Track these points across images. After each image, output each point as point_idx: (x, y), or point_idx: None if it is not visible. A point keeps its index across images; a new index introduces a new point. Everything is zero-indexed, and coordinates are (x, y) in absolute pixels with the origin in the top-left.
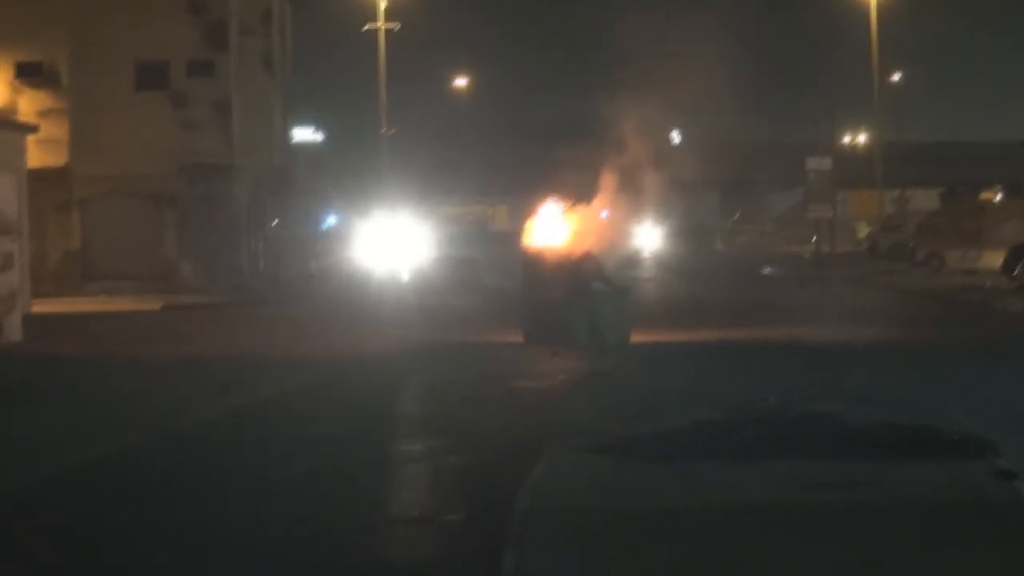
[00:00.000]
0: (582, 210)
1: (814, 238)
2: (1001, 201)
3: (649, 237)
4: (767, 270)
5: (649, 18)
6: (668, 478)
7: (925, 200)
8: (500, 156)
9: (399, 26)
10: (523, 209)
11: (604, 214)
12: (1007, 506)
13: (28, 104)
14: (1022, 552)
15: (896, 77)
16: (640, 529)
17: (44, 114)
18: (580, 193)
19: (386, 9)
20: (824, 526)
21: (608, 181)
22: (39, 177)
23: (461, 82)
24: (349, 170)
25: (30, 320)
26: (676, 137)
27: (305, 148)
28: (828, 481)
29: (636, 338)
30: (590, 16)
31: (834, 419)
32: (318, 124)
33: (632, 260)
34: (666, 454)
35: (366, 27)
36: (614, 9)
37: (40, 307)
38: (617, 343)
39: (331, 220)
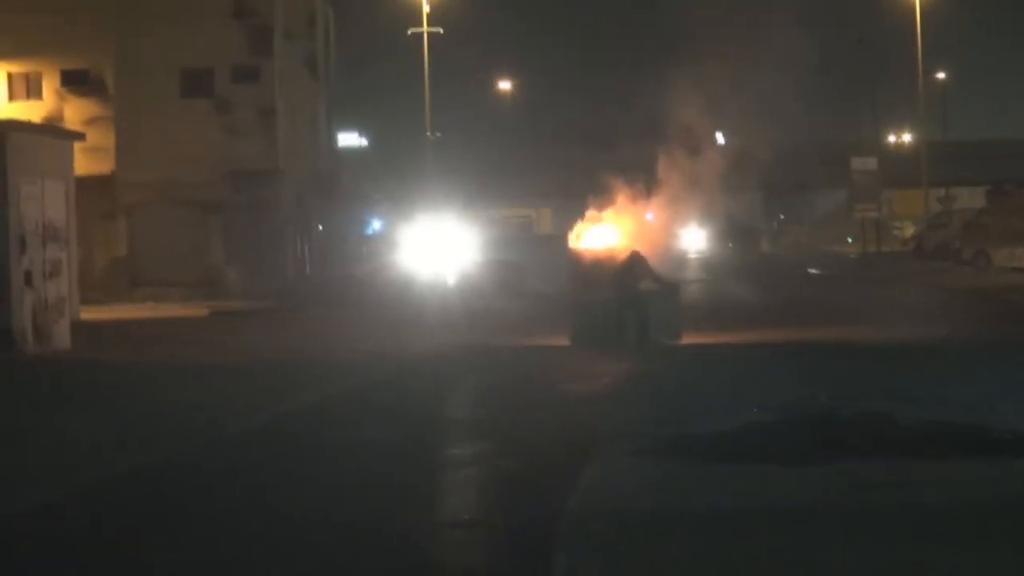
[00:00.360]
0: (628, 212)
1: (850, 239)
2: None
3: (695, 239)
4: (813, 270)
5: (693, 20)
6: (719, 480)
7: (971, 199)
8: (545, 159)
9: (442, 31)
10: (568, 212)
11: (649, 216)
12: None
13: (74, 112)
14: None
15: (941, 75)
16: (691, 531)
17: (90, 122)
18: (626, 195)
19: (430, 13)
20: (876, 526)
21: (655, 183)
22: (86, 185)
23: (506, 85)
24: (394, 174)
25: (79, 327)
26: (721, 138)
27: (350, 153)
28: (879, 481)
29: (684, 339)
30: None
31: (885, 419)
32: (363, 129)
33: (679, 262)
34: (716, 456)
35: (411, 31)
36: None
37: (88, 314)
38: (665, 344)
39: (376, 224)
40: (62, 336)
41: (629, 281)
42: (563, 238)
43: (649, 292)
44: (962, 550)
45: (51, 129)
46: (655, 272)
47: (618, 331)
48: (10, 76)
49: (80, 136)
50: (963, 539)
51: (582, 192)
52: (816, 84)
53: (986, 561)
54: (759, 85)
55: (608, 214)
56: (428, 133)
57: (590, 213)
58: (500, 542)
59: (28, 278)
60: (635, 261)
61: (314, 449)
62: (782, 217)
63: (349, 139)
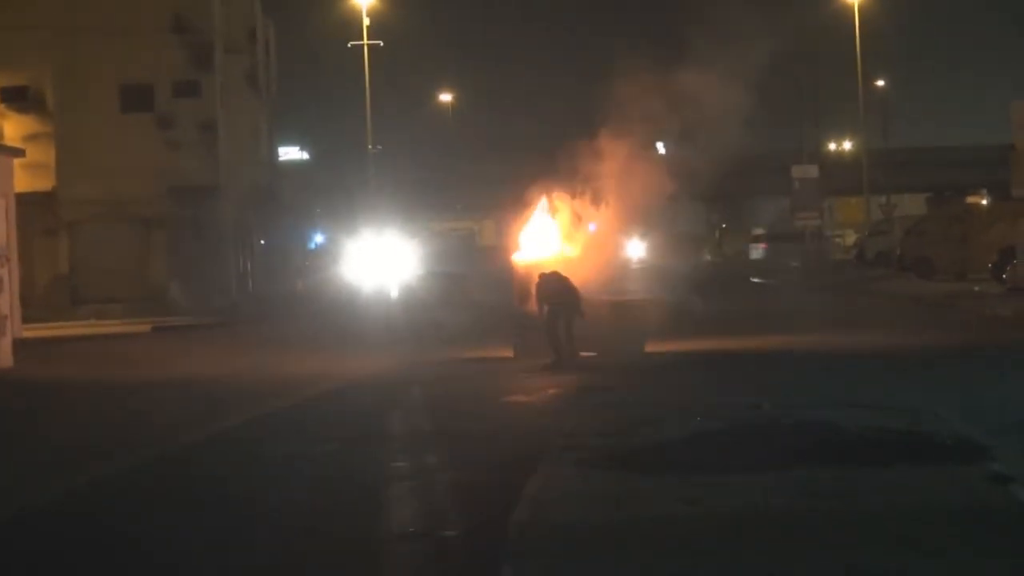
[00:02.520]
0: (569, 223)
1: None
2: (988, 204)
3: (637, 248)
4: (755, 279)
5: (631, 31)
6: (663, 490)
7: (912, 206)
8: (486, 171)
9: (383, 43)
10: (510, 224)
11: (592, 227)
12: (1003, 510)
13: (13, 129)
14: (1019, 556)
15: (880, 83)
16: (638, 541)
17: (30, 138)
18: (565, 206)
19: (370, 27)
20: (822, 534)
21: (593, 193)
22: (26, 201)
23: (446, 97)
24: (336, 188)
25: (20, 345)
26: (661, 148)
27: (291, 166)
28: (824, 489)
29: (632, 348)
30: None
31: (830, 426)
32: (304, 142)
33: (621, 272)
34: (662, 465)
35: (351, 44)
36: (598, 22)
37: (30, 332)
38: (607, 355)
39: (318, 238)
40: (4, 354)
41: (568, 294)
42: (505, 250)
43: (592, 304)
44: (908, 556)
45: None
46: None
47: (559, 343)
48: None
49: (20, 152)
50: (908, 546)
51: (522, 204)
52: (758, 92)
53: (931, 567)
54: (701, 95)
55: (547, 224)
56: (369, 146)
57: (529, 224)
58: (445, 554)
59: None
60: (546, 282)
61: (256, 464)
62: (724, 226)
63: (291, 153)
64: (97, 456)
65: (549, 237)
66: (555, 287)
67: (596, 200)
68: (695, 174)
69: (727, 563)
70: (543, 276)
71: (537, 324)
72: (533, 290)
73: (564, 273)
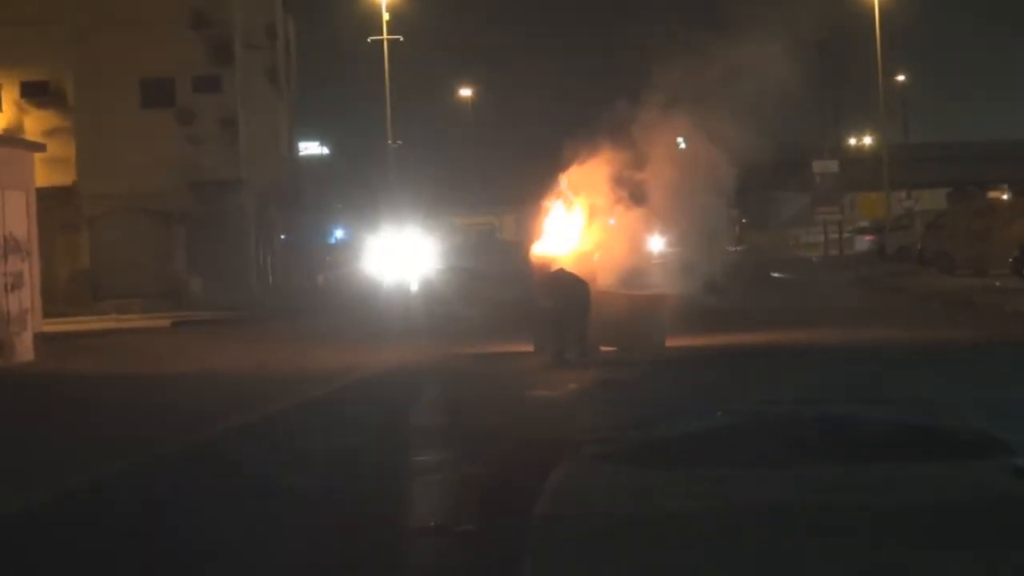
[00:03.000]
0: (589, 217)
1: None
2: (1009, 199)
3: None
4: (776, 274)
5: (654, 28)
6: (682, 483)
7: (933, 201)
8: (507, 166)
9: (402, 38)
10: (530, 218)
11: (611, 221)
12: (1022, 504)
13: (34, 124)
14: None
15: (901, 78)
16: (657, 535)
17: (50, 133)
18: (586, 200)
19: (391, 21)
20: (841, 529)
21: (615, 187)
22: (47, 196)
23: (467, 92)
24: (356, 183)
25: (41, 339)
26: (683, 142)
27: (312, 162)
28: (844, 484)
29: (653, 343)
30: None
31: (849, 421)
32: (325, 137)
33: (642, 266)
34: (679, 460)
35: (371, 39)
36: (620, 19)
37: (51, 326)
38: (627, 350)
39: (339, 233)
40: (25, 348)
41: (587, 289)
42: (526, 244)
43: (612, 298)
44: (922, 552)
45: (11, 140)
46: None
47: (578, 337)
48: None
49: (40, 147)
50: (923, 541)
51: (544, 198)
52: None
53: (945, 563)
54: (727, 91)
55: (567, 219)
56: (390, 141)
57: (550, 218)
58: (468, 548)
59: None
60: (555, 280)
61: (281, 457)
62: (744, 221)
63: (311, 148)
64: (120, 448)
65: (569, 232)
66: (564, 287)
67: (616, 195)
68: (718, 168)
69: (744, 557)
70: (552, 274)
71: (558, 318)
72: (540, 285)
73: (578, 271)
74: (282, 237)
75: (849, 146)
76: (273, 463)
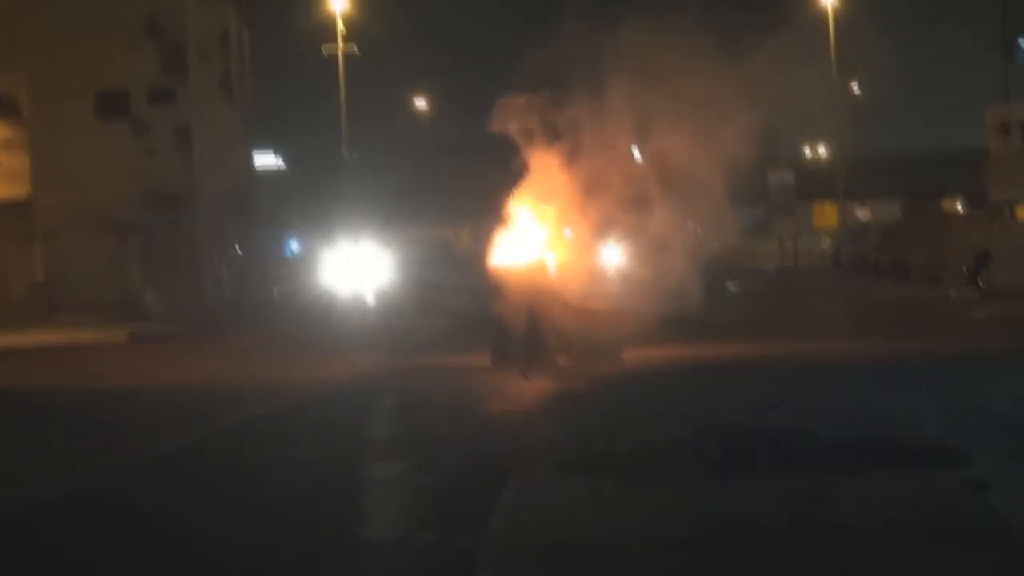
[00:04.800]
0: (544, 228)
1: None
2: (963, 209)
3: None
4: (732, 285)
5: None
6: (641, 495)
7: (888, 211)
8: (464, 177)
9: (357, 49)
10: (487, 230)
11: (568, 232)
12: (979, 517)
13: None
14: (993, 563)
15: (855, 88)
16: (614, 547)
17: (4, 145)
18: (539, 210)
19: (346, 31)
20: (797, 541)
21: (569, 199)
22: (0, 209)
23: (423, 103)
24: (312, 194)
25: None
26: (637, 154)
27: (267, 172)
28: (799, 495)
29: (611, 355)
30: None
31: (805, 432)
32: (280, 148)
33: (599, 278)
34: (638, 471)
35: (325, 50)
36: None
37: (5, 340)
38: (585, 363)
39: (295, 245)
40: None
41: (545, 301)
42: (482, 256)
43: (570, 309)
44: (884, 563)
45: None
46: (563, 296)
47: (536, 350)
48: None
49: None
50: (885, 553)
51: (499, 210)
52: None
53: (907, 574)
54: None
55: (523, 230)
56: (346, 152)
57: (506, 230)
58: (423, 560)
59: None
60: (549, 281)
61: (233, 470)
62: (699, 232)
63: (266, 159)
64: (71, 463)
65: (526, 243)
66: (531, 285)
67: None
68: (671, 178)
69: (703, 570)
70: (515, 272)
71: (516, 330)
72: (506, 288)
73: (542, 273)
74: (238, 249)
75: (804, 156)
76: (224, 476)
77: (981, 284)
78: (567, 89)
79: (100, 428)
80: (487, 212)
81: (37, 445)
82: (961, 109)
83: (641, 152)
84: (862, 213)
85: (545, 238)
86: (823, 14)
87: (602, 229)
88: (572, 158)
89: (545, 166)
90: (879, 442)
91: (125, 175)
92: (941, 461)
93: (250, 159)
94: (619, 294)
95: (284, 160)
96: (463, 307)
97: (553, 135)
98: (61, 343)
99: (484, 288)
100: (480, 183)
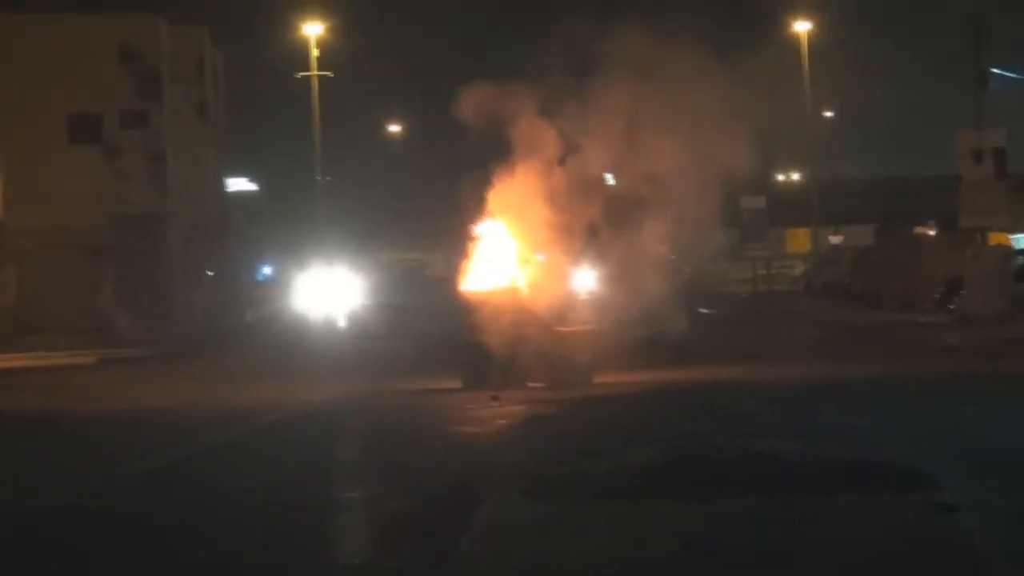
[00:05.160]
0: (516, 253)
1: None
2: (936, 235)
3: (586, 279)
4: (704, 310)
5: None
6: (611, 519)
7: (860, 236)
8: (436, 200)
9: (332, 74)
10: (458, 254)
11: (540, 256)
12: (949, 539)
13: None
14: None
15: (829, 114)
16: (585, 570)
17: None
18: (512, 235)
19: (320, 57)
20: (767, 563)
21: (541, 222)
22: None
23: (395, 128)
24: (285, 218)
25: None
26: (611, 178)
27: (240, 197)
28: (770, 518)
29: (580, 379)
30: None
31: (776, 455)
32: (254, 172)
33: (570, 302)
34: (608, 495)
35: (300, 75)
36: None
37: None
38: (555, 386)
39: (267, 269)
40: None
41: (516, 325)
42: (453, 280)
43: (539, 334)
44: None
45: None
46: (536, 317)
47: (507, 374)
48: None
49: None
50: (853, 573)
51: (471, 234)
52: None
53: None
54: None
55: (495, 255)
56: (318, 177)
57: (476, 254)
58: None
59: None
60: (521, 304)
61: (200, 496)
62: (672, 257)
63: (239, 184)
64: (36, 486)
65: (497, 267)
66: (512, 312)
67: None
68: (643, 204)
69: None
70: (488, 295)
71: (487, 354)
72: (478, 311)
73: (514, 296)
74: (210, 273)
75: (777, 181)
76: (194, 500)
77: (953, 310)
78: (544, 107)
79: (68, 452)
80: (458, 235)
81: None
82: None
83: (616, 174)
84: (835, 238)
85: (517, 261)
86: (798, 40)
87: (574, 252)
88: (544, 173)
89: (517, 181)
90: (849, 465)
91: (97, 198)
92: (910, 484)
93: (223, 182)
94: (591, 317)
95: (258, 184)
96: (434, 330)
97: (527, 126)
98: (30, 365)
99: (456, 311)
100: (451, 206)
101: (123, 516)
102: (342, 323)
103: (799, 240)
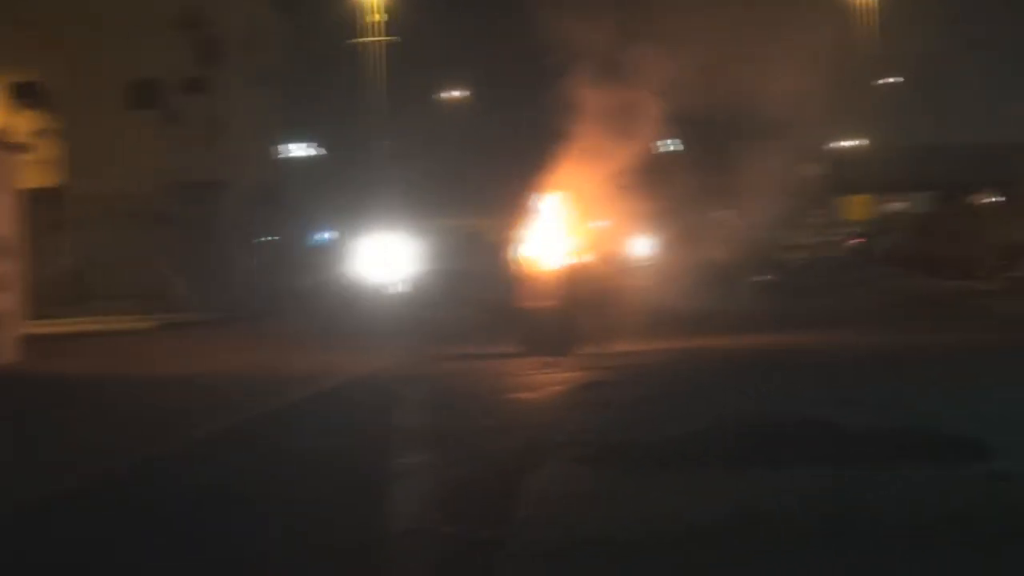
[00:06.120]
0: (576, 219)
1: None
2: (995, 203)
3: (647, 246)
4: (763, 277)
5: (640, 28)
6: (666, 487)
7: (921, 203)
8: (493, 167)
9: (395, 39)
10: (517, 220)
11: (601, 223)
12: (1006, 508)
13: (23, 125)
14: (1020, 555)
15: (892, 80)
16: (638, 539)
17: (38, 134)
18: (574, 202)
19: (383, 20)
20: (822, 534)
21: (603, 187)
22: (33, 198)
23: (457, 94)
24: (344, 184)
25: (25, 341)
26: (672, 145)
27: (300, 162)
28: (825, 488)
29: (635, 346)
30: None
31: (830, 425)
32: (313, 138)
33: (630, 269)
34: (664, 462)
35: (355, 41)
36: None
37: (36, 328)
38: (610, 350)
39: (325, 234)
40: (7, 350)
41: (575, 290)
42: (511, 247)
43: (597, 299)
44: (909, 556)
45: None
46: (602, 280)
47: (565, 339)
48: None
49: (25, 148)
50: (910, 545)
51: (530, 200)
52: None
53: (933, 567)
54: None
55: (555, 220)
56: (380, 142)
57: (536, 219)
58: (446, 551)
59: None
60: (581, 269)
61: (267, 458)
62: (738, 222)
63: (299, 149)
64: (112, 450)
65: (555, 234)
66: (575, 277)
67: (602, 195)
68: (711, 171)
69: (728, 562)
70: (546, 262)
71: (543, 319)
72: (550, 282)
73: (574, 264)
74: (268, 238)
75: (838, 147)
76: (253, 466)
77: (1013, 278)
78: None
79: (131, 417)
80: (519, 202)
81: (66, 431)
82: (996, 103)
83: (685, 142)
84: (895, 205)
85: (577, 228)
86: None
87: (636, 220)
88: (610, 144)
89: (582, 152)
90: (905, 434)
91: (156, 165)
92: (967, 454)
93: (283, 149)
94: (651, 284)
95: (318, 150)
96: (492, 296)
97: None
98: (90, 330)
99: (513, 277)
100: (512, 172)
101: (196, 476)
102: (399, 288)
103: (859, 207)
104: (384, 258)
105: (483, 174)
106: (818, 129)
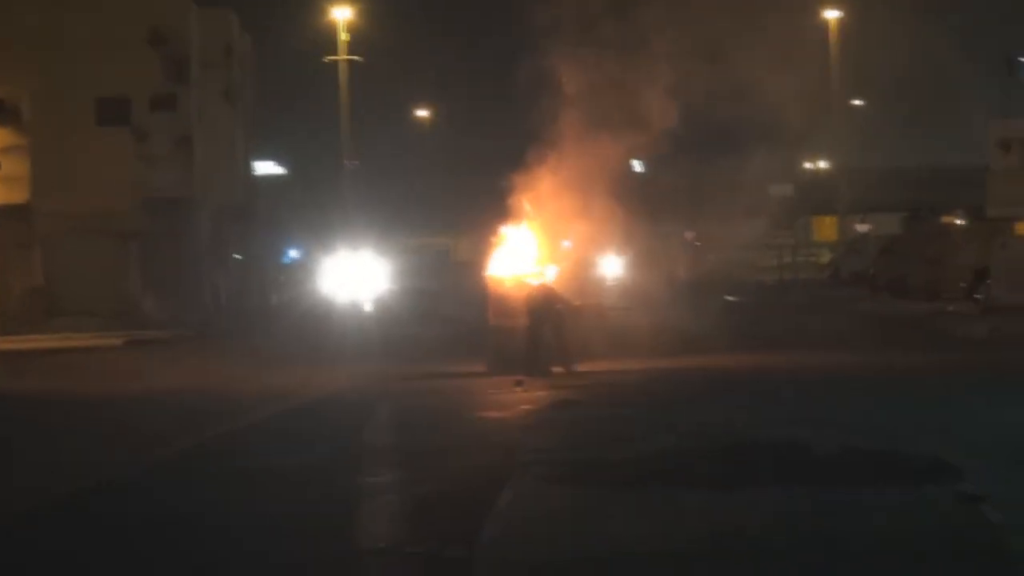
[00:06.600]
0: (542, 238)
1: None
2: (963, 225)
3: (612, 266)
4: (730, 297)
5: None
6: (634, 505)
7: (887, 225)
8: (461, 187)
9: (361, 59)
10: (484, 239)
11: (566, 243)
12: (973, 530)
13: None
14: (989, 573)
15: (857, 102)
16: (606, 557)
17: (5, 151)
18: (539, 222)
19: (350, 41)
20: (793, 554)
21: (567, 209)
22: (1, 214)
23: (423, 113)
24: (312, 203)
25: None
26: (637, 166)
27: (268, 181)
28: (796, 508)
29: (603, 366)
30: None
31: (802, 446)
32: (281, 157)
33: (596, 288)
34: (632, 482)
35: (328, 59)
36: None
37: (2, 344)
38: (579, 369)
39: (294, 252)
40: None
41: (542, 309)
42: (479, 265)
43: (563, 318)
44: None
45: None
46: (564, 300)
47: (532, 358)
48: None
49: None
50: (880, 566)
51: (497, 220)
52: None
53: None
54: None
55: (521, 240)
56: (345, 162)
57: (503, 239)
58: (416, 570)
59: None
60: (547, 289)
61: (231, 477)
62: (698, 244)
63: (267, 168)
64: (66, 471)
65: (523, 253)
66: (543, 297)
67: (566, 216)
68: (674, 192)
69: None
70: (530, 287)
71: (512, 338)
72: (519, 301)
73: (541, 283)
74: (236, 256)
75: (805, 169)
76: (219, 485)
77: (979, 300)
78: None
79: (96, 435)
80: (485, 221)
81: (30, 450)
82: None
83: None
84: (862, 227)
85: (544, 248)
86: (826, 27)
87: (601, 239)
88: (574, 165)
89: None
90: (875, 456)
91: (125, 182)
92: (938, 475)
93: (251, 167)
94: (617, 303)
95: (285, 168)
96: (459, 315)
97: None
98: (58, 347)
99: (482, 297)
100: (479, 193)
101: (164, 494)
102: (367, 307)
103: (826, 228)
104: (353, 276)
105: (452, 193)
106: (787, 150)
